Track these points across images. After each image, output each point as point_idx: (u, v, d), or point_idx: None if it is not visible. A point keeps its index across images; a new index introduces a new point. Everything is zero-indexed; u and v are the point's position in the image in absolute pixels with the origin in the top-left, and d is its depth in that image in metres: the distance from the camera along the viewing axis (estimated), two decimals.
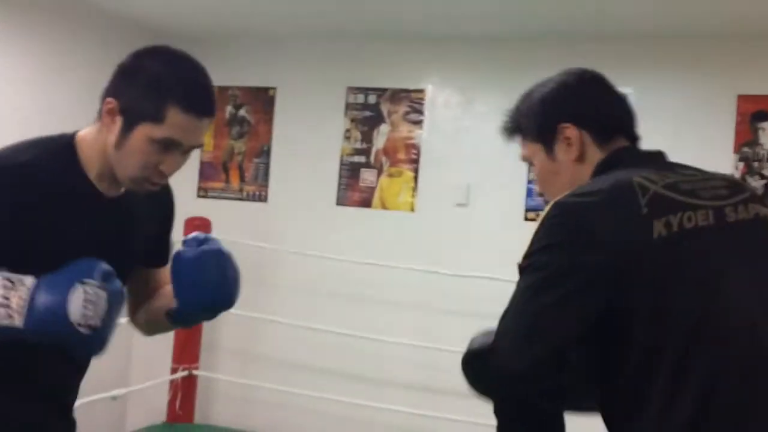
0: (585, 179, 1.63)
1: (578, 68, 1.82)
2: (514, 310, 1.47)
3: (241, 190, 5.76)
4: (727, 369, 1.42)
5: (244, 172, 5.76)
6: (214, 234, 5.41)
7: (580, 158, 1.67)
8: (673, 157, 5.26)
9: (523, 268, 1.50)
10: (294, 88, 5.67)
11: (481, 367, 1.55)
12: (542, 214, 1.53)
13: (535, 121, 1.72)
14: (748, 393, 1.42)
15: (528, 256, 1.51)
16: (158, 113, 1.60)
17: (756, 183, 4.61)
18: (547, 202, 1.65)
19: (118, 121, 1.63)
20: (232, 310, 5.91)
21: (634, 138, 1.75)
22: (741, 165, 4.65)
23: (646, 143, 5.19)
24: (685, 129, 4.77)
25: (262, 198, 5.69)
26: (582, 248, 1.46)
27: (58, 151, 1.66)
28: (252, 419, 5.49)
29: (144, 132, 1.62)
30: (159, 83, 1.61)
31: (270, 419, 5.44)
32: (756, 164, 4.63)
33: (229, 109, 5.82)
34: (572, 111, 1.70)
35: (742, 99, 4.66)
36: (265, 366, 5.50)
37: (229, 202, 5.76)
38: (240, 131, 5.81)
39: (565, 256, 1.47)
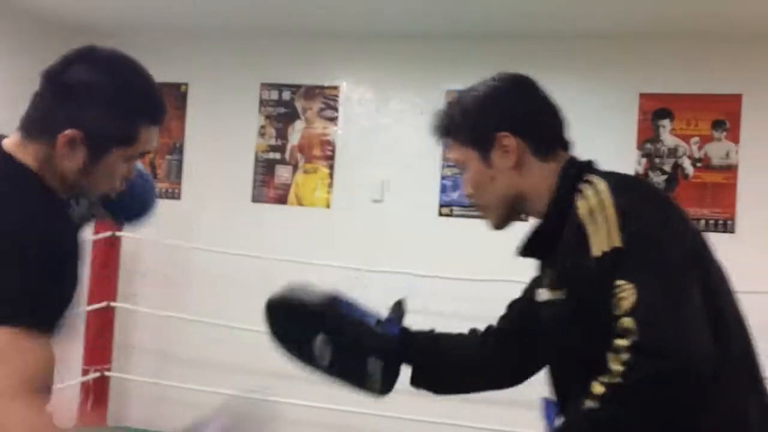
0: (522, 187, 1.66)
1: (511, 73, 1.80)
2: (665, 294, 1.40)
3: None
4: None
5: (156, 169, 5.67)
6: (126, 232, 5.36)
7: (517, 166, 1.65)
8: (579, 154, 5.43)
9: (639, 255, 1.44)
10: (207, 84, 5.62)
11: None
12: (594, 205, 1.50)
13: (470, 128, 1.69)
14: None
15: (636, 239, 1.47)
16: (130, 135, 1.53)
17: (657, 178, 4.80)
18: (474, 206, 1.73)
19: (82, 150, 1.47)
20: (145, 309, 5.83)
21: (568, 147, 1.74)
22: (644, 161, 4.84)
23: None
24: (590, 127, 4.91)
25: (175, 195, 5.63)
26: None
27: (38, 197, 1.47)
28: (167, 420, 5.41)
29: (117, 155, 1.52)
30: (122, 104, 1.51)
31: (186, 420, 5.37)
32: (657, 160, 4.82)
33: None
34: (509, 119, 1.68)
35: (644, 97, 4.86)
36: (180, 366, 5.44)
37: None
38: None
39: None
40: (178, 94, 5.66)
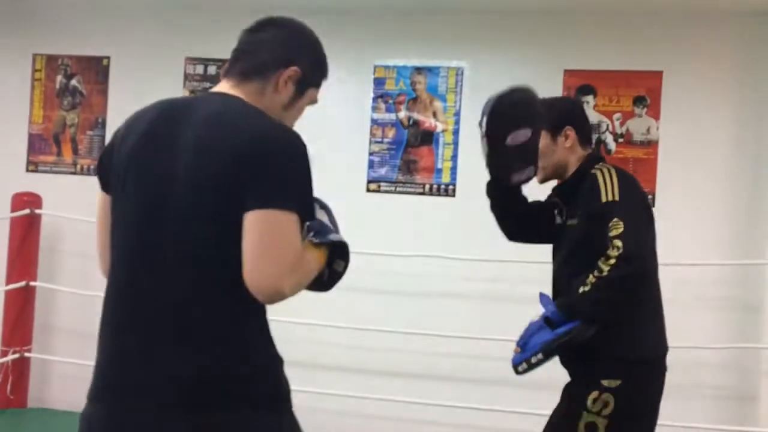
0: (567, 161, 2.67)
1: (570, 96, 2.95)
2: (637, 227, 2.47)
3: (74, 164, 5.52)
4: None
5: (78, 145, 5.52)
6: (45, 210, 5.21)
7: (570, 148, 2.68)
8: None
9: (627, 205, 2.48)
10: (129, 57, 5.48)
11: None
12: (606, 173, 2.54)
13: (553, 118, 2.66)
14: None
15: (626, 196, 2.51)
16: (320, 80, 1.99)
17: None
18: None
19: (291, 87, 1.90)
20: (66, 288, 5.71)
21: (592, 144, 2.91)
22: None
23: (479, 117, 5.36)
24: None
25: None
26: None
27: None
28: None
29: (310, 95, 1.98)
30: (320, 53, 2.01)
31: None
32: None
33: (59, 78, 5.56)
34: (575, 119, 2.74)
35: (568, 73, 4.93)
36: None
37: (62, 176, 5.52)
38: (72, 102, 5.56)
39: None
40: (100, 67, 5.51)
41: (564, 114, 2.70)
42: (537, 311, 2.52)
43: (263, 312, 1.78)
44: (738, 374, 4.65)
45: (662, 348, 2.57)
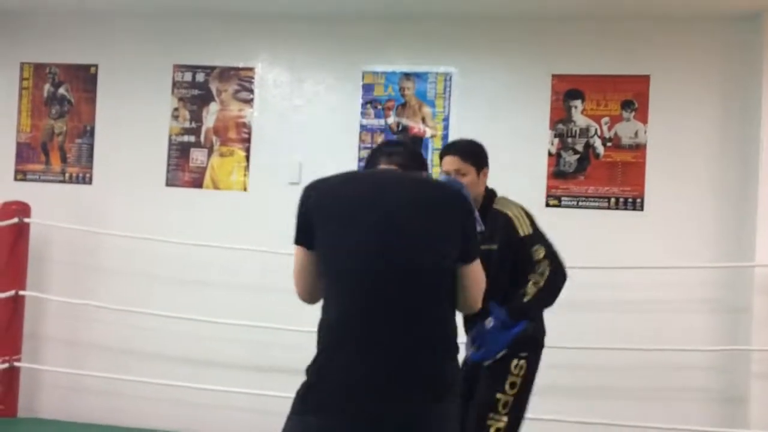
0: (480, 195, 3.23)
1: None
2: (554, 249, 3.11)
3: (63, 172, 5.51)
4: None
5: (66, 153, 5.51)
6: (34, 218, 5.19)
7: (483, 182, 3.26)
8: (493, 134, 5.49)
9: (539, 235, 3.15)
10: (117, 65, 5.47)
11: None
12: (517, 213, 3.20)
13: (480, 158, 3.25)
14: None
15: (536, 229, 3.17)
16: None
17: (570, 158, 4.91)
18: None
19: None
20: (54, 297, 5.67)
21: None
22: (556, 141, 4.93)
23: (467, 122, 5.38)
24: (504, 108, 5.01)
25: (86, 180, 5.47)
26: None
27: None
28: (81, 409, 5.30)
29: None
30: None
31: (100, 408, 5.27)
32: (570, 140, 4.93)
33: (47, 87, 5.54)
34: (486, 160, 3.29)
35: (557, 78, 4.95)
36: (93, 354, 5.32)
37: (50, 184, 5.50)
38: (60, 110, 5.54)
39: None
40: (88, 76, 5.50)
41: (485, 155, 3.27)
42: None
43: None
44: (727, 376, 4.67)
45: (545, 332, 3.33)
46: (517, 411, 3.18)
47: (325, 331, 2.19)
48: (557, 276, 3.15)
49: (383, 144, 2.61)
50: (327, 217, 2.19)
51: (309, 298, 2.33)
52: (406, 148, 2.47)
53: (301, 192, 2.29)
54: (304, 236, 2.25)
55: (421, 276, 2.13)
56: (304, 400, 2.13)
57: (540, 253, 3.14)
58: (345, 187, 2.26)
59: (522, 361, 3.20)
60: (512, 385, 3.20)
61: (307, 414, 2.10)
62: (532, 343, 3.24)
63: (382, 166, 2.37)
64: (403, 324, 2.10)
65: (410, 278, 2.12)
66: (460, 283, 2.21)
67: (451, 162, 3.19)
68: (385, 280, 2.11)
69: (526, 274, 3.12)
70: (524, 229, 3.20)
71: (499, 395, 3.18)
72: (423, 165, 2.45)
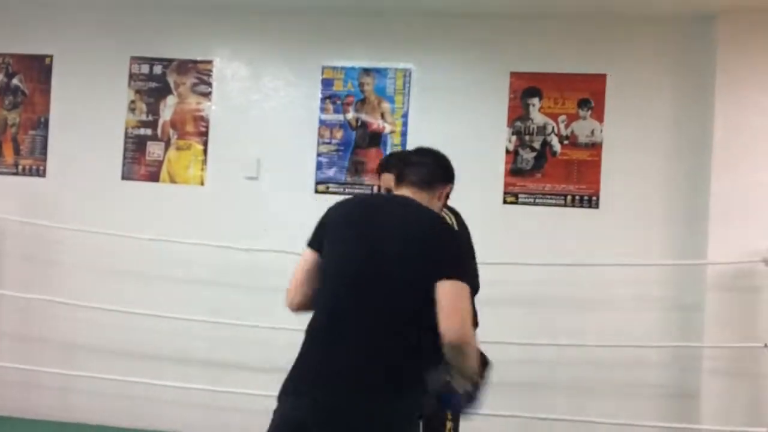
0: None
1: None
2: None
3: (15, 165, 5.41)
4: None
5: (19, 145, 5.41)
6: None
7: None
8: (452, 131, 5.49)
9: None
10: (73, 56, 5.38)
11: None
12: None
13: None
14: None
15: (465, 264, 2.74)
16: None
17: (527, 155, 4.94)
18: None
19: (443, 197, 2.72)
20: (6, 292, 5.56)
21: None
22: (514, 138, 4.97)
23: (426, 119, 5.37)
24: (462, 105, 5.02)
25: (40, 173, 5.38)
26: None
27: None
28: (34, 406, 5.22)
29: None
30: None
31: (54, 405, 5.19)
32: (527, 138, 4.96)
33: (0, 77, 5.44)
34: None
35: (515, 76, 4.98)
36: (46, 349, 5.23)
37: (2, 177, 5.40)
38: (13, 101, 5.44)
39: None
40: (43, 66, 5.40)
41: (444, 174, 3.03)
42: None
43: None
44: (679, 372, 4.75)
45: None
46: None
47: (307, 328, 2.44)
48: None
49: (414, 153, 2.79)
50: (332, 231, 2.48)
51: (298, 299, 2.52)
52: (428, 165, 2.67)
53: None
54: (316, 241, 2.51)
55: (391, 286, 2.35)
56: (283, 387, 2.36)
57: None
58: (350, 207, 2.57)
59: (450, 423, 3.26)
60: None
61: (283, 396, 2.35)
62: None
63: (404, 184, 2.63)
64: (370, 325, 2.33)
65: (381, 287, 2.35)
66: (437, 303, 2.29)
67: (390, 180, 2.98)
68: (360, 287, 2.36)
69: None
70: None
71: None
72: (446, 178, 2.68)
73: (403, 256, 2.37)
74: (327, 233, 2.49)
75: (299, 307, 2.51)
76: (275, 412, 2.34)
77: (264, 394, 4.68)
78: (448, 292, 2.30)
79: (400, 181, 2.62)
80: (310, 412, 2.27)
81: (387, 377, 2.29)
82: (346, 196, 2.67)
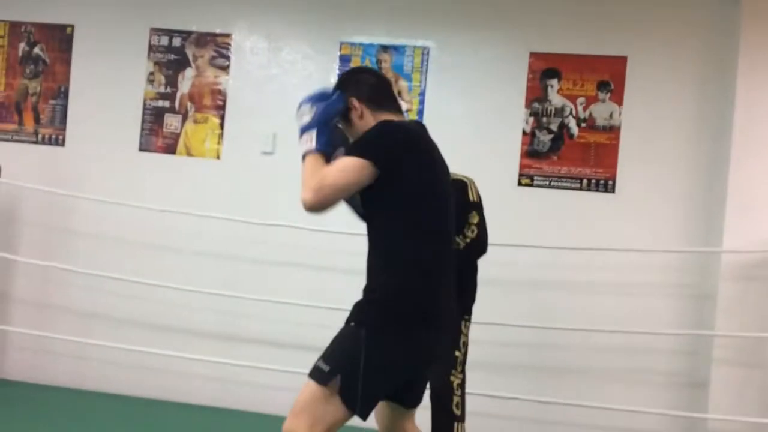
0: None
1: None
2: None
3: (35, 133, 5.45)
4: None
5: (39, 114, 5.45)
6: (4, 179, 5.13)
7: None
8: (468, 110, 5.45)
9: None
10: (94, 26, 5.40)
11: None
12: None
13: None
14: None
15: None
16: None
17: (544, 137, 4.90)
18: None
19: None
20: (23, 259, 5.60)
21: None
22: (531, 119, 4.92)
23: (443, 98, 5.33)
24: (480, 84, 4.98)
25: (59, 142, 5.42)
26: None
27: None
28: (49, 372, 5.29)
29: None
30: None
31: (67, 372, 5.27)
32: (545, 119, 4.91)
33: (22, 46, 5.47)
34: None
35: (534, 56, 4.92)
36: (61, 317, 5.30)
37: (22, 145, 5.44)
38: (34, 70, 5.47)
39: None
40: (64, 36, 5.43)
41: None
42: None
43: None
44: (689, 361, 4.71)
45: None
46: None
47: (428, 256, 2.50)
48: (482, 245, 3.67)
49: (374, 75, 2.83)
50: (419, 157, 2.50)
51: (331, 204, 2.46)
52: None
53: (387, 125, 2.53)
54: (387, 161, 2.44)
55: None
56: (421, 320, 2.46)
57: (474, 218, 3.60)
58: (418, 133, 2.61)
59: (468, 322, 3.56)
60: (464, 345, 3.53)
61: (423, 329, 2.47)
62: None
63: (395, 111, 2.66)
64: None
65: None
66: None
67: None
68: (450, 219, 2.65)
69: None
70: (473, 195, 3.66)
71: (457, 353, 3.50)
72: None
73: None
74: (414, 163, 2.46)
75: (322, 210, 2.45)
76: (414, 340, 2.40)
77: (271, 368, 4.73)
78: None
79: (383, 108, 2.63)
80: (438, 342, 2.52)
81: None
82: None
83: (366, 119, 2.60)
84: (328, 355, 2.40)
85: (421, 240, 2.46)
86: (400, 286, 2.42)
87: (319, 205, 2.42)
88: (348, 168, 2.42)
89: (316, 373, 2.38)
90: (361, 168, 2.41)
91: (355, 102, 2.60)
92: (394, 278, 2.43)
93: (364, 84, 2.64)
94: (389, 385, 2.44)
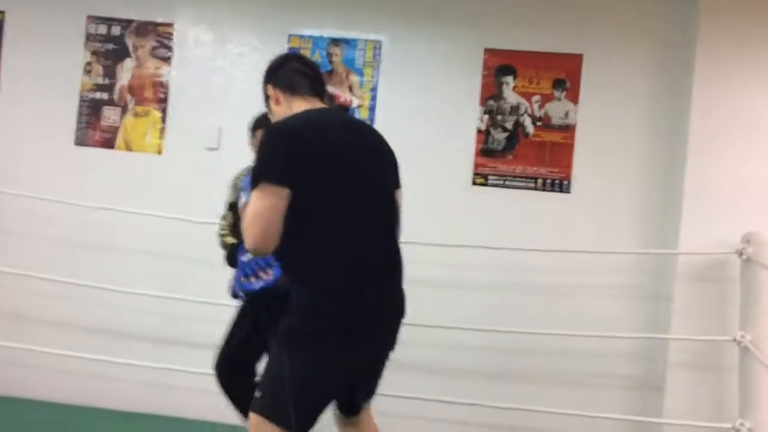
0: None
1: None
2: None
3: None
4: None
5: None
6: None
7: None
8: (422, 107, 5.29)
9: None
10: (26, 13, 5.11)
11: None
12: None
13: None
14: None
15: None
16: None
17: (499, 136, 4.78)
18: None
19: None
20: None
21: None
22: (486, 118, 4.80)
23: (396, 94, 5.17)
24: (434, 80, 4.84)
25: None
26: None
27: None
28: None
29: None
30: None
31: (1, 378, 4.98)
32: (499, 117, 4.80)
33: None
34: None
35: (489, 52, 4.80)
36: None
37: None
38: None
39: None
40: None
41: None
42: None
43: None
44: (644, 364, 4.65)
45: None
46: None
47: (343, 268, 2.40)
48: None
49: (297, 60, 2.77)
50: (317, 162, 2.38)
51: (275, 244, 2.34)
52: (318, 73, 2.75)
53: (277, 134, 2.44)
54: (289, 177, 2.34)
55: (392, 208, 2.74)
56: (340, 331, 2.36)
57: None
58: (321, 130, 2.50)
59: None
60: None
61: (346, 341, 2.39)
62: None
63: (309, 96, 2.62)
64: (398, 257, 2.70)
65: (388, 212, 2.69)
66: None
67: None
68: (381, 217, 2.61)
69: None
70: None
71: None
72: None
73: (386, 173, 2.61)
74: (308, 165, 2.34)
75: (269, 250, 2.33)
76: (332, 357, 2.28)
77: (211, 373, 4.53)
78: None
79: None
80: (382, 349, 2.46)
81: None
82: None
83: (282, 105, 2.61)
84: (260, 383, 2.35)
85: (327, 248, 2.33)
86: (311, 303, 2.31)
87: (263, 251, 2.32)
88: (257, 205, 2.30)
89: (254, 404, 2.33)
90: (269, 196, 2.32)
91: (270, 89, 2.65)
92: (303, 297, 2.33)
93: (282, 70, 2.65)
94: (322, 401, 2.36)
